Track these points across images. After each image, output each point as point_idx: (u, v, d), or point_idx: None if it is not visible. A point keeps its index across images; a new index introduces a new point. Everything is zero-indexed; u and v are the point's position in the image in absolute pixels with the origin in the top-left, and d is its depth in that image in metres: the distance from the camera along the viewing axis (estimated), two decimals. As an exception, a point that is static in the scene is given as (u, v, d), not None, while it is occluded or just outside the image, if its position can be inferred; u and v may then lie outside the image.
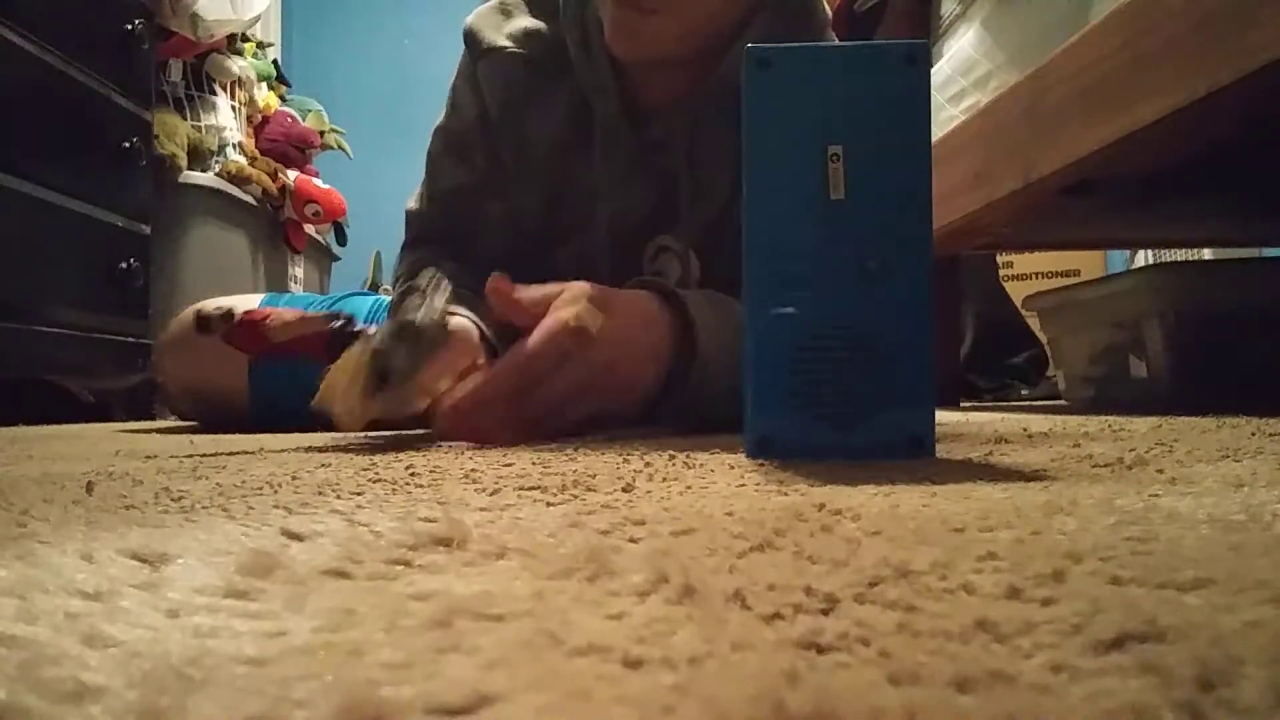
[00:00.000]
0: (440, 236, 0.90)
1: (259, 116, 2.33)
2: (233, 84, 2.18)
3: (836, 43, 0.91)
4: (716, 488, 0.34)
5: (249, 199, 2.12)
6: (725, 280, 0.65)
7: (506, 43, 0.84)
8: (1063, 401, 1.55)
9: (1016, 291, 2.03)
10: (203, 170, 2.00)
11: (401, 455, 0.53)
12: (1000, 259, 2.36)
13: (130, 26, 1.60)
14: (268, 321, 0.67)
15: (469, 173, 0.88)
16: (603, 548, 0.21)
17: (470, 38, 0.86)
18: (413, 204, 0.94)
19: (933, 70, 1.35)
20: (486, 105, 0.85)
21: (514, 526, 0.26)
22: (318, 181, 2.39)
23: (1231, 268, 1.58)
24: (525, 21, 0.85)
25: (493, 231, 0.88)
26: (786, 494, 0.32)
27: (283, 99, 2.49)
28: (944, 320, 1.55)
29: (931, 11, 1.55)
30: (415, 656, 0.14)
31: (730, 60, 0.79)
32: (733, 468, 0.42)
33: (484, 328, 0.73)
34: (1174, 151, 0.94)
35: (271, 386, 0.97)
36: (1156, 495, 0.30)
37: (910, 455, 0.45)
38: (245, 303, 0.86)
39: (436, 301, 0.77)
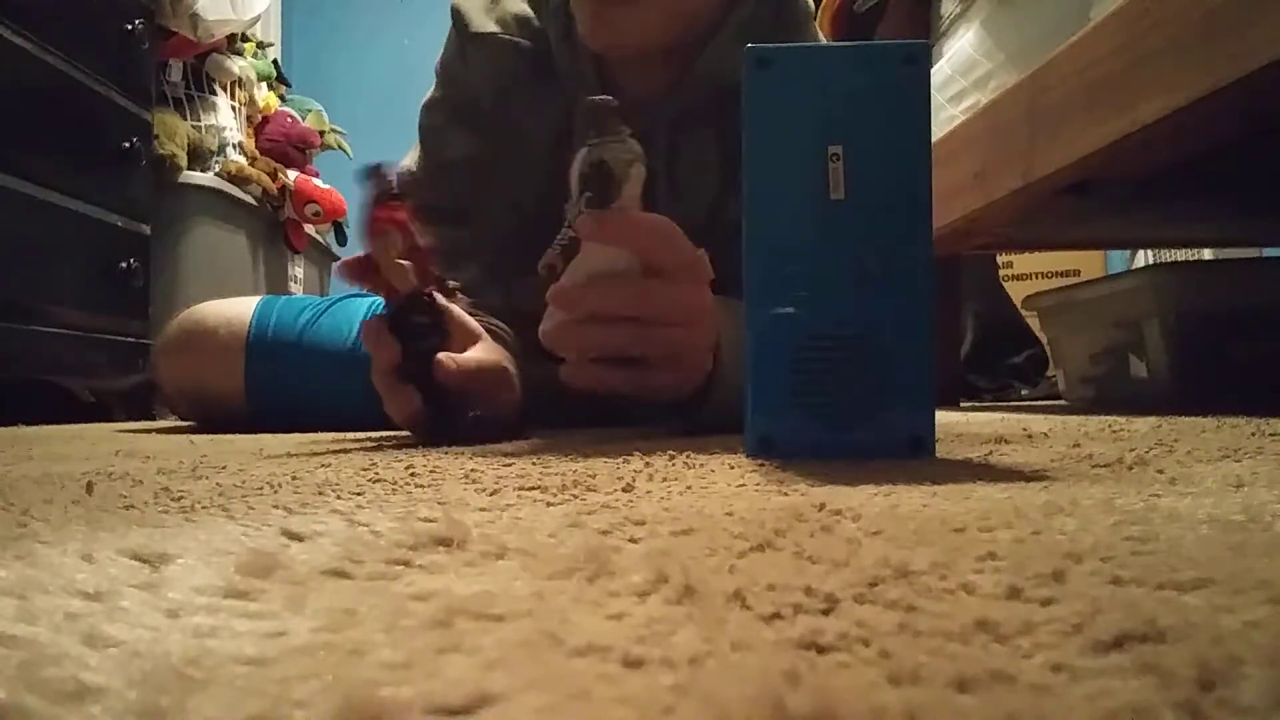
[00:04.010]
0: (443, 206, 0.86)
1: (259, 116, 2.33)
2: (233, 84, 2.18)
3: (820, 38, 0.90)
4: (716, 488, 0.34)
5: (249, 199, 2.12)
6: (713, 285, 0.64)
7: (496, 28, 0.82)
8: (1063, 401, 1.55)
9: (1016, 291, 2.03)
10: (203, 170, 2.00)
11: (401, 455, 0.53)
12: (1000, 259, 2.36)
13: (130, 26, 1.60)
14: (394, 225, 0.60)
15: (480, 144, 0.85)
16: (603, 548, 0.21)
17: (458, 18, 0.84)
18: (411, 167, 0.90)
19: (933, 70, 1.35)
20: (479, 89, 0.84)
21: (514, 526, 0.26)
22: (318, 181, 2.39)
23: (1231, 268, 1.58)
24: (515, 7, 0.83)
25: (496, 210, 0.86)
26: (786, 494, 0.32)
27: (283, 99, 2.49)
28: (944, 320, 1.55)
29: (931, 11, 1.55)
30: (415, 656, 0.14)
31: (709, 53, 0.77)
32: (733, 468, 0.42)
33: (491, 322, 0.72)
34: (1174, 151, 0.94)
35: (267, 388, 0.97)
36: (1156, 495, 0.30)
37: (910, 455, 0.45)
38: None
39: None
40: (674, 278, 0.55)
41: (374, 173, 0.60)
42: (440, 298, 0.64)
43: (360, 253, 0.62)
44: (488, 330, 0.70)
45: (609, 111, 0.56)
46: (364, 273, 0.62)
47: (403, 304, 0.62)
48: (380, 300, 1.06)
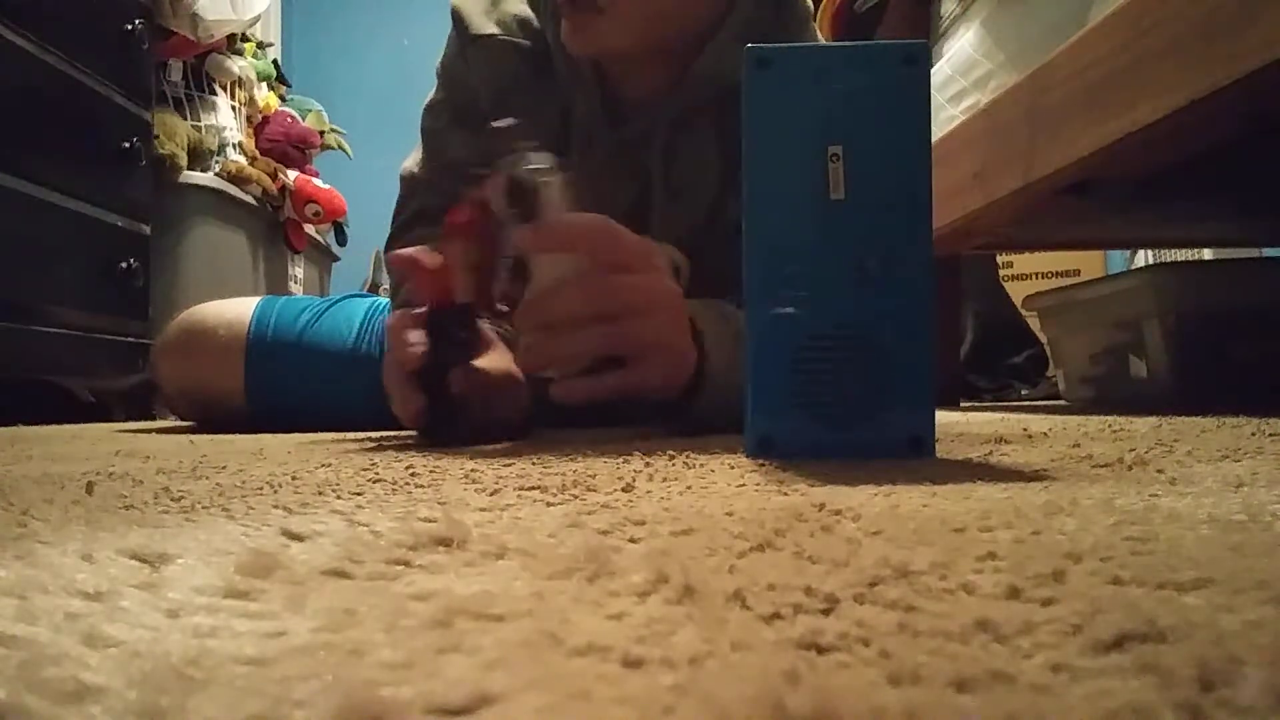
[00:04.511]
0: (444, 207, 0.86)
1: (259, 116, 2.33)
2: (233, 84, 2.18)
3: (820, 38, 0.90)
4: (716, 488, 0.34)
5: (249, 199, 2.12)
6: (712, 287, 0.64)
7: (495, 30, 0.82)
8: (1063, 401, 1.55)
9: (1016, 291, 2.03)
10: (203, 170, 2.00)
11: (401, 455, 0.53)
12: (1000, 259, 2.36)
13: (130, 26, 1.60)
14: (481, 235, 0.58)
15: (481, 145, 0.86)
16: (603, 548, 0.21)
17: (458, 20, 0.84)
18: (414, 168, 0.90)
19: (933, 70, 1.35)
20: (480, 91, 0.84)
21: (514, 526, 0.26)
22: (318, 181, 2.39)
23: (1231, 268, 1.58)
24: (515, 8, 0.83)
25: None
26: (786, 494, 0.32)
27: (283, 99, 2.49)
28: (944, 320, 1.55)
29: (931, 11, 1.55)
30: (415, 656, 0.14)
31: (709, 54, 0.77)
32: (733, 468, 0.42)
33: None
34: (1174, 151, 0.94)
35: (267, 388, 0.97)
36: (1156, 495, 0.30)
37: (910, 455, 0.45)
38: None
39: None
40: (627, 268, 0.56)
41: (507, 180, 0.58)
42: (484, 323, 0.63)
43: (468, 214, 0.59)
44: (497, 334, 0.70)
45: (508, 132, 0.58)
46: (461, 237, 0.59)
47: (447, 313, 0.60)
48: (381, 301, 1.05)
